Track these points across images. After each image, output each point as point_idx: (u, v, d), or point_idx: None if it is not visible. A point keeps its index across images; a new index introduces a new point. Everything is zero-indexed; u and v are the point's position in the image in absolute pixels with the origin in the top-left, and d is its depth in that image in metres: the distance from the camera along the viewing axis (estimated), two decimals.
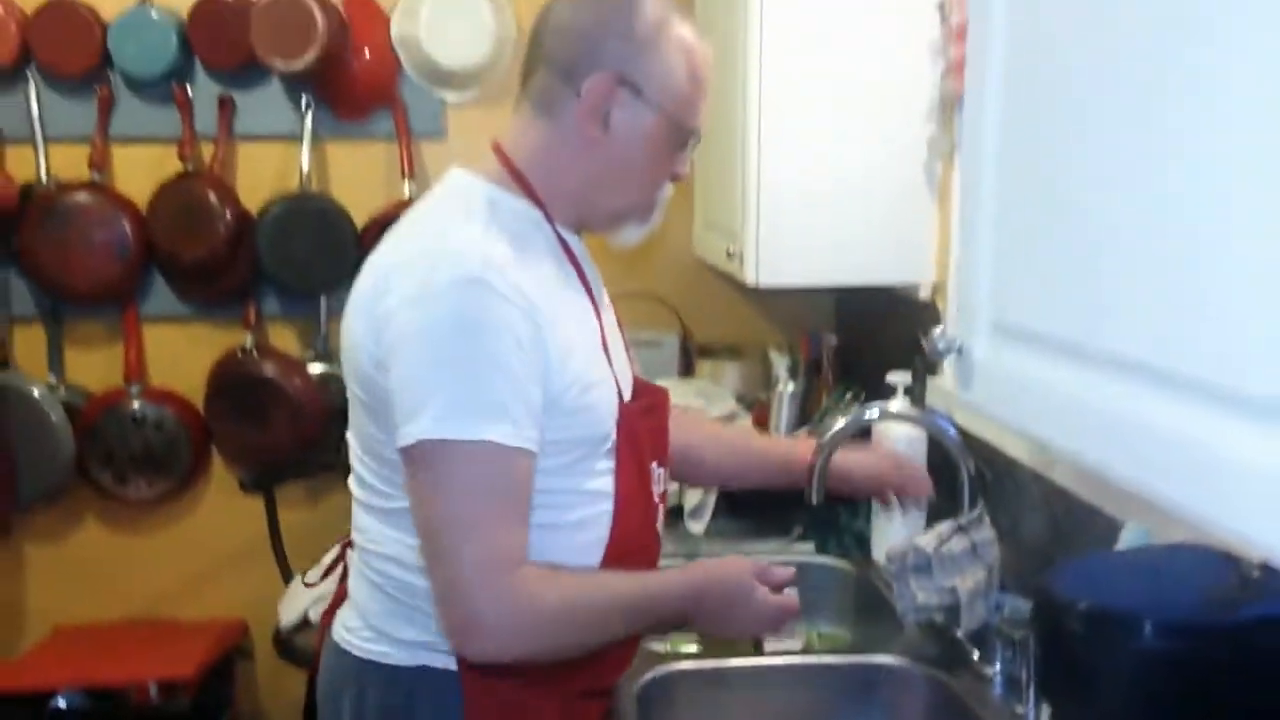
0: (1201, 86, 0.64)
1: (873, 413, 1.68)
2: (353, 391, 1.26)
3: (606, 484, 1.29)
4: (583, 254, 1.34)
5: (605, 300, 1.40)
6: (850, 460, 1.63)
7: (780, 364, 2.53)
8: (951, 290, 1.81)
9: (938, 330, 1.00)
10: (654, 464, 1.37)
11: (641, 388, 1.42)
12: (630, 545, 1.31)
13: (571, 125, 1.25)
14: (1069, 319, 0.81)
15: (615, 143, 1.26)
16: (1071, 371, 0.81)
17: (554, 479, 1.23)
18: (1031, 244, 0.88)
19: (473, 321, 1.14)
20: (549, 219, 1.28)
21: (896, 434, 1.89)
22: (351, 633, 1.31)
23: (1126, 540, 1.23)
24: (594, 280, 1.35)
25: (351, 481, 1.32)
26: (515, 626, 1.17)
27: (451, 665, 1.24)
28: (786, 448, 1.70)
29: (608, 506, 1.29)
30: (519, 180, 1.27)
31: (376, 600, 1.28)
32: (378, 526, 1.27)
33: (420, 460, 1.15)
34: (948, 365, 1.04)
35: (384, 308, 1.17)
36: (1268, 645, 0.96)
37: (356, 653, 1.29)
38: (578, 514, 1.27)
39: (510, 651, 1.19)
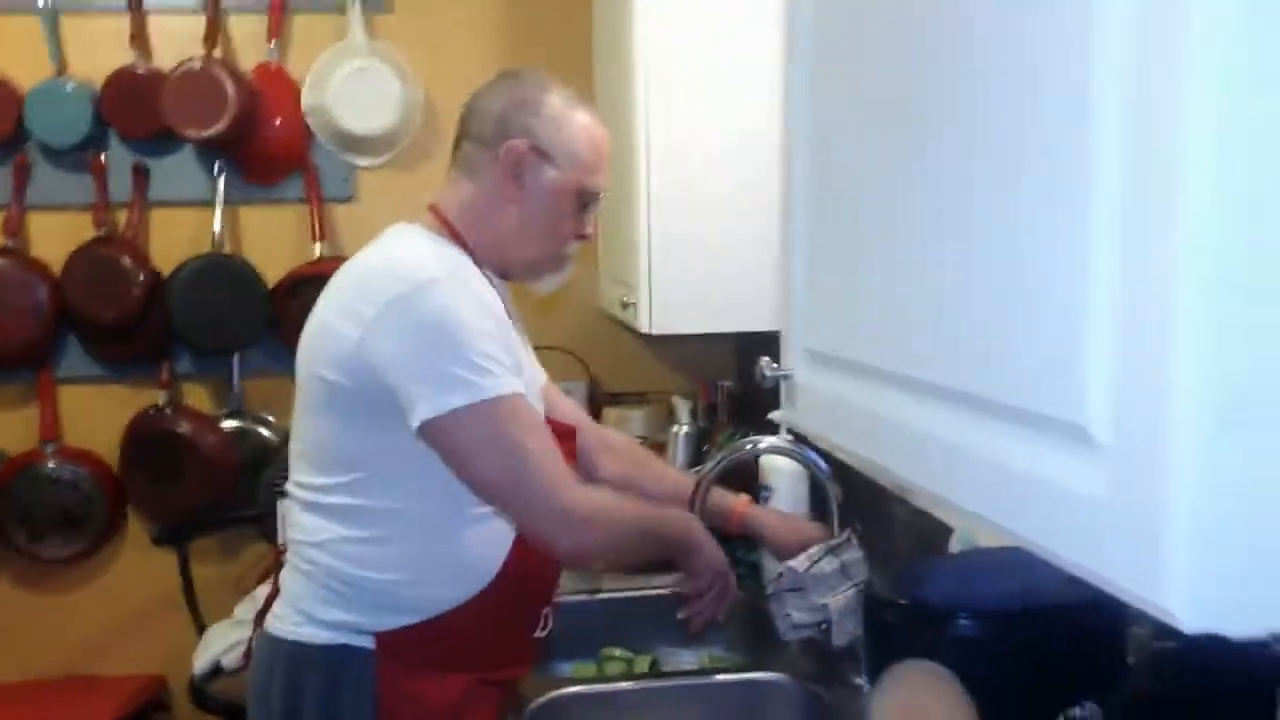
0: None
1: (748, 446, 1.81)
2: (307, 396, 1.44)
3: None
4: (508, 298, 1.56)
5: (525, 340, 1.61)
6: (767, 521, 1.79)
7: (682, 409, 2.66)
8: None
9: (764, 359, 1.13)
10: None
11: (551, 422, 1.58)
12: (531, 555, 1.46)
13: (491, 184, 1.49)
14: (867, 346, 0.94)
15: (527, 199, 1.49)
16: (868, 391, 0.94)
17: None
18: (839, 277, 1.02)
19: (450, 308, 1.35)
20: (478, 264, 1.49)
21: (779, 467, 2.03)
22: (280, 619, 1.46)
23: (955, 545, 1.36)
24: (519, 327, 1.56)
25: (290, 486, 1.50)
26: (596, 518, 1.42)
27: (369, 645, 1.40)
28: (726, 505, 1.80)
29: (505, 526, 1.46)
30: (451, 232, 1.49)
31: (304, 586, 1.44)
32: (311, 519, 1.44)
33: (455, 428, 1.34)
34: (782, 389, 1.18)
35: (358, 322, 1.35)
36: (1062, 630, 1.09)
37: (285, 635, 1.44)
38: (494, 509, 1.44)
39: (597, 541, 1.44)
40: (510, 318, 1.52)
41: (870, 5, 0.89)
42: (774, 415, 2.05)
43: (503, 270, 1.55)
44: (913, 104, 0.81)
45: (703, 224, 2.11)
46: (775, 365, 1.14)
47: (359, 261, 1.47)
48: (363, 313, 1.35)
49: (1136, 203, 0.54)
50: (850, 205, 0.96)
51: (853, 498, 1.89)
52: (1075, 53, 0.58)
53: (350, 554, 1.41)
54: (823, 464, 1.82)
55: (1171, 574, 0.53)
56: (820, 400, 1.05)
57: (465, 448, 1.36)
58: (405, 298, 1.34)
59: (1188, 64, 0.50)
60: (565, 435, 1.57)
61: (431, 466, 1.38)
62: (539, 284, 1.59)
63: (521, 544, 1.46)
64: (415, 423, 1.34)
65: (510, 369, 1.38)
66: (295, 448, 1.50)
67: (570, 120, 1.51)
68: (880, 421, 0.90)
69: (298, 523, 1.47)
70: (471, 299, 1.39)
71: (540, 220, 1.51)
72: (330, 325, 1.40)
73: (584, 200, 1.53)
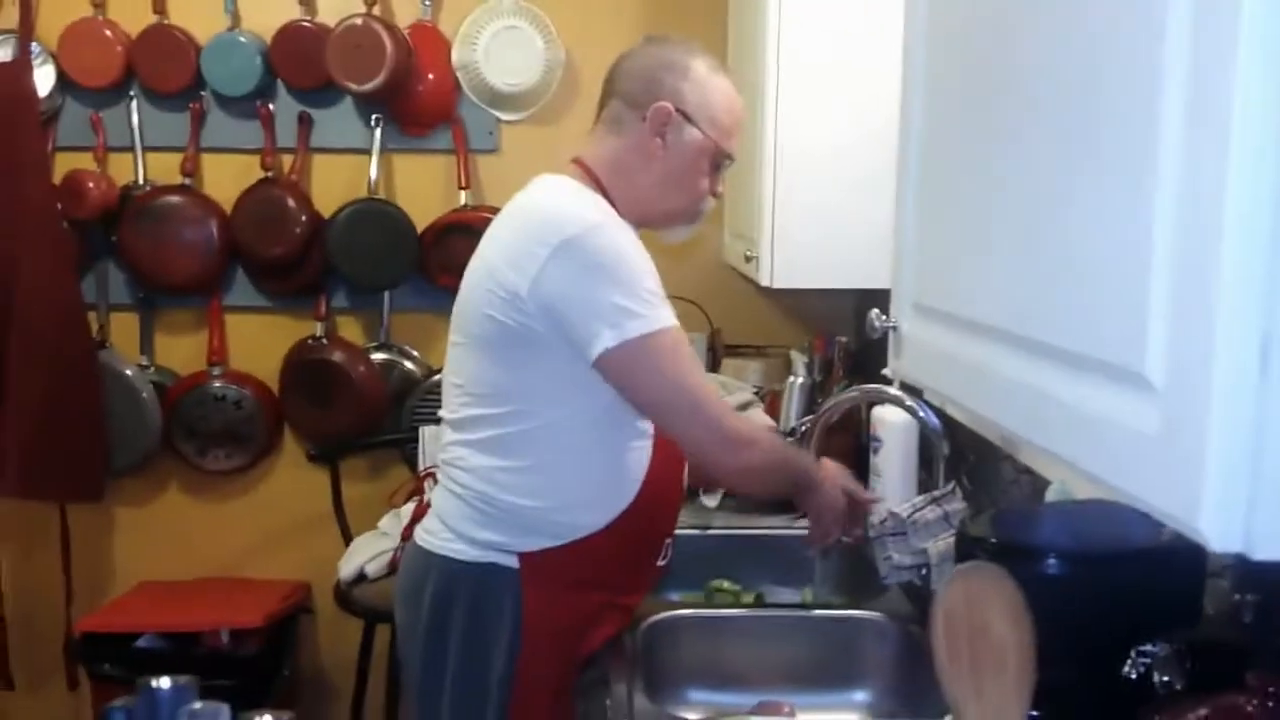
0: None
1: (854, 393, 1.91)
2: (468, 334, 1.58)
3: (648, 425, 1.62)
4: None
5: None
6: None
7: (799, 361, 2.76)
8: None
9: (874, 311, 1.24)
10: None
11: None
12: (659, 485, 1.63)
13: (636, 141, 1.62)
14: (966, 300, 1.04)
15: (670, 156, 1.62)
16: (967, 342, 1.04)
17: (617, 406, 1.55)
18: (942, 239, 1.12)
19: (617, 248, 1.49)
20: (619, 214, 1.61)
21: (891, 419, 2.12)
22: (431, 534, 1.62)
23: (1051, 496, 1.45)
24: None
25: (445, 414, 1.65)
26: (755, 441, 1.60)
27: (515, 564, 1.56)
28: None
29: (648, 445, 1.62)
30: (596, 183, 1.62)
31: (456, 506, 1.59)
32: (465, 448, 1.59)
33: (633, 354, 1.48)
34: (890, 340, 1.28)
35: (533, 260, 1.47)
36: (1143, 575, 1.18)
37: (436, 549, 1.60)
38: (632, 442, 1.60)
39: (754, 462, 1.59)
40: None
41: None
42: (888, 369, 2.16)
43: (641, 220, 1.65)
44: (1013, 79, 0.91)
45: (825, 182, 2.19)
46: (884, 317, 1.25)
47: (521, 208, 1.59)
48: (536, 253, 1.47)
49: (1191, 174, 0.64)
50: (957, 171, 1.06)
51: (960, 453, 1.98)
52: (1143, 45, 0.68)
53: (502, 481, 1.55)
54: (933, 418, 1.91)
55: (1208, 500, 0.63)
56: (925, 351, 1.15)
57: (643, 373, 1.50)
58: (578, 239, 1.47)
59: (1239, 58, 0.59)
60: None
61: (585, 401, 1.53)
62: (671, 234, 1.73)
63: (653, 476, 1.61)
64: (595, 353, 1.47)
65: (668, 304, 1.52)
66: (451, 380, 1.63)
67: (713, 86, 1.63)
68: (976, 370, 1.00)
69: (452, 450, 1.62)
70: (631, 240, 1.53)
71: (680, 177, 1.63)
72: (498, 268, 1.52)
73: (717, 161, 1.65)
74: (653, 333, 1.47)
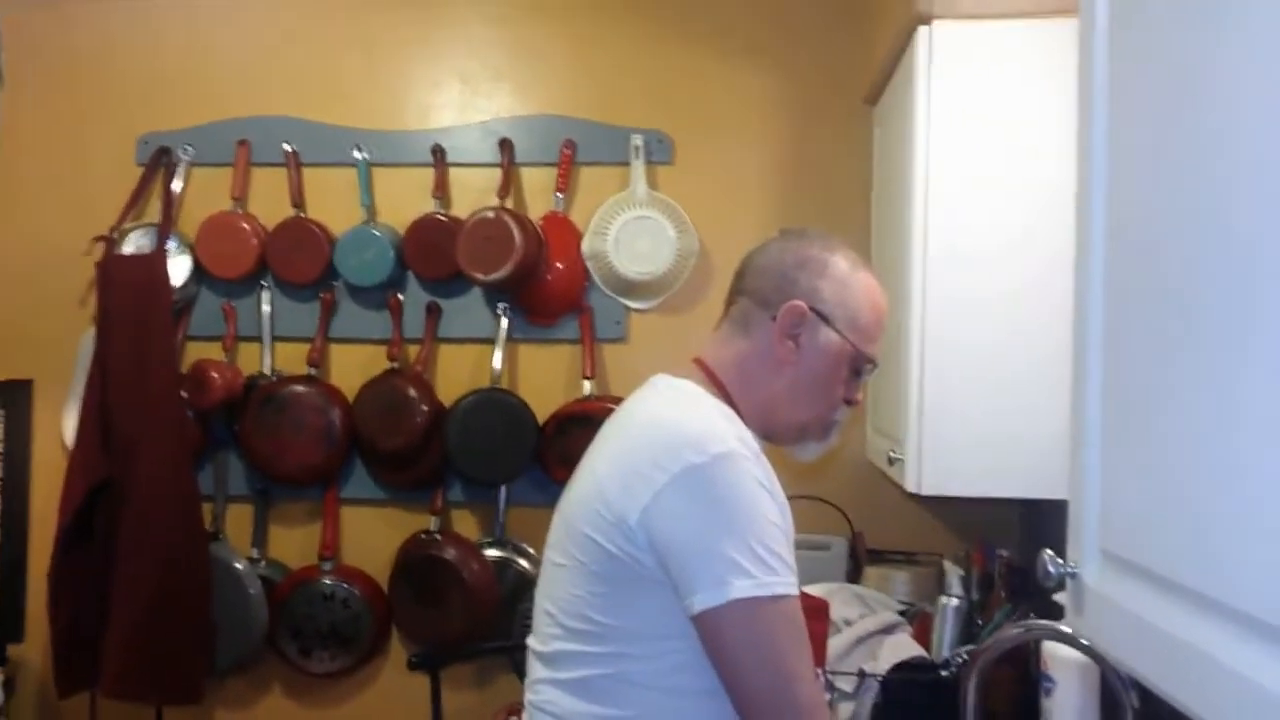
0: None
1: (1020, 630, 1.62)
2: (568, 556, 1.37)
3: None
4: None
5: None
6: None
7: (953, 575, 2.46)
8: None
9: (1048, 553, 0.99)
10: (818, 668, 1.41)
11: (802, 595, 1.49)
12: None
13: (765, 344, 1.45)
14: (1175, 557, 0.79)
15: (802, 361, 1.44)
16: (1178, 614, 0.78)
17: None
18: (1137, 468, 0.88)
19: (742, 489, 1.29)
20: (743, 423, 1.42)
21: (1065, 657, 1.80)
22: None
23: None
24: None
25: (532, 643, 1.43)
26: None
27: None
28: None
29: None
30: (719, 387, 1.44)
31: None
32: (555, 690, 1.37)
33: (728, 620, 1.26)
34: (1069, 588, 1.03)
35: (646, 487, 1.28)
36: None
37: None
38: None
39: None
40: None
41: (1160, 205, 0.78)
42: (1060, 596, 1.85)
43: (767, 433, 1.48)
44: (1212, 295, 0.68)
45: (980, 375, 1.98)
46: (1060, 560, 1.00)
47: (636, 419, 1.42)
48: (653, 478, 1.29)
49: None
50: (1153, 380, 0.83)
51: (1152, 708, 1.65)
52: None
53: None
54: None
55: None
56: (1116, 611, 0.90)
57: (733, 646, 1.27)
58: (700, 470, 1.28)
59: None
60: (818, 612, 1.46)
61: (699, 648, 1.30)
62: (802, 451, 1.53)
63: None
64: (693, 607, 1.27)
65: (790, 567, 1.30)
66: (542, 605, 1.43)
67: (854, 283, 1.47)
68: (1189, 651, 0.75)
69: (540, 691, 1.40)
70: (762, 477, 1.32)
71: (813, 384, 1.46)
72: (606, 488, 1.34)
73: (857, 366, 1.48)
74: (756, 598, 1.25)
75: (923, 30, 2.02)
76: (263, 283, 2.88)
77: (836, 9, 2.78)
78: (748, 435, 1.37)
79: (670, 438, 1.32)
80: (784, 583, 1.28)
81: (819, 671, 1.43)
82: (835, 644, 2.11)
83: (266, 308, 2.87)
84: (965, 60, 2.01)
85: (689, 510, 1.27)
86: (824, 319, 1.44)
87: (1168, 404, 0.80)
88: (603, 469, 1.36)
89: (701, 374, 1.46)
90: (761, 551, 1.26)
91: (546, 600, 1.42)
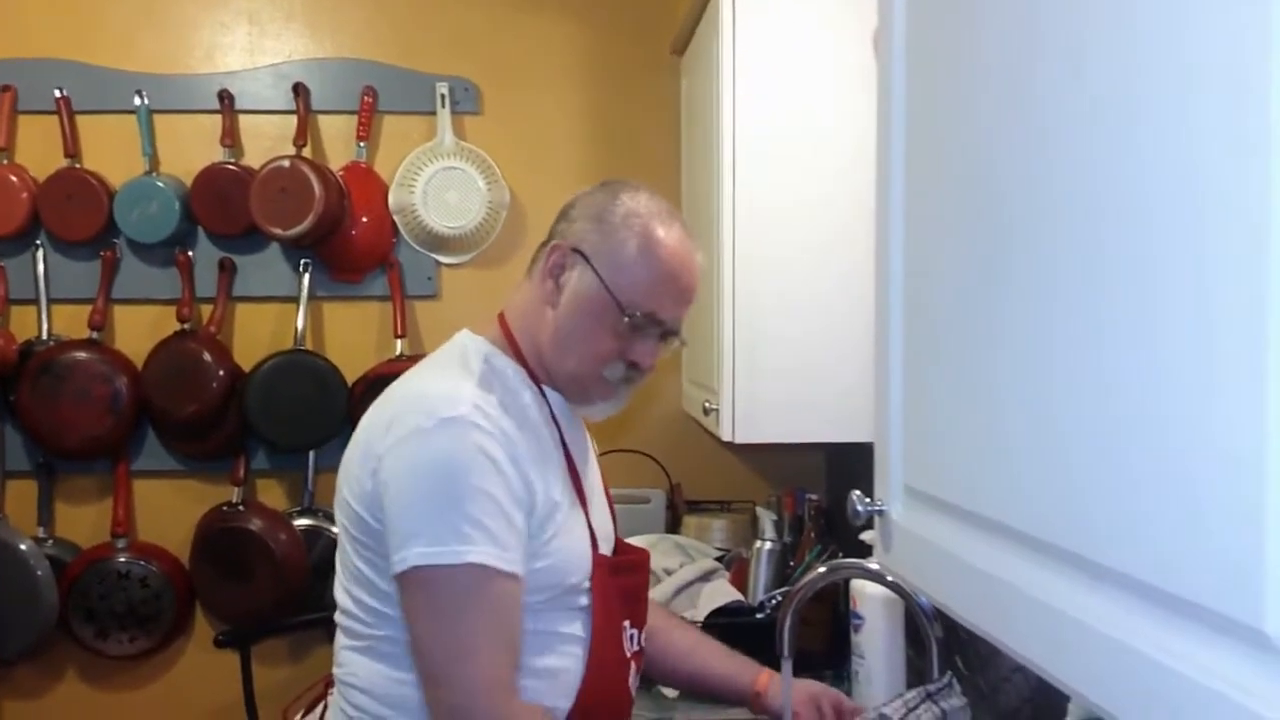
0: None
1: (830, 570, 1.66)
2: (342, 525, 1.34)
3: (578, 630, 1.34)
4: (565, 414, 1.42)
5: (590, 458, 1.48)
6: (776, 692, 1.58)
7: (766, 520, 2.51)
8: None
9: (856, 493, 1.01)
10: (626, 622, 1.40)
11: (621, 546, 1.49)
12: (601, 697, 1.35)
13: (538, 284, 1.39)
14: (975, 491, 0.81)
15: (562, 304, 1.36)
16: (978, 544, 0.81)
17: (527, 618, 1.28)
18: (937, 409, 0.90)
19: (458, 456, 1.23)
20: (534, 379, 1.38)
21: (872, 593, 1.88)
22: None
23: (1074, 714, 1.20)
24: (575, 439, 1.43)
25: (337, 615, 1.38)
26: None
27: None
28: (744, 683, 1.63)
29: (579, 654, 1.34)
30: (511, 342, 1.39)
31: None
32: (355, 659, 1.33)
33: (414, 586, 1.23)
34: (876, 526, 1.05)
35: (379, 449, 1.26)
36: None
37: None
38: (549, 659, 1.32)
39: None
40: (565, 442, 1.40)
41: (966, 112, 0.79)
42: (866, 535, 1.92)
43: (551, 383, 1.41)
44: (1018, 202, 0.70)
45: (790, 326, 2.02)
46: (868, 499, 1.02)
47: (404, 382, 1.38)
48: (384, 442, 1.27)
49: None
50: (954, 317, 0.84)
51: (955, 635, 1.73)
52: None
53: (399, 698, 1.29)
54: (923, 597, 1.67)
55: None
56: (921, 545, 0.92)
57: (410, 611, 1.25)
58: (420, 434, 1.24)
59: None
60: (638, 565, 1.46)
61: None
62: (588, 410, 1.43)
63: (590, 687, 1.34)
64: (392, 570, 1.24)
65: (495, 538, 1.23)
66: (338, 575, 1.38)
67: (633, 227, 1.35)
68: (991, 581, 0.77)
69: (341, 659, 1.36)
70: (490, 447, 1.24)
71: (574, 330, 1.36)
72: (356, 450, 1.32)
73: (635, 322, 1.35)
74: (439, 566, 1.21)
75: None
76: (36, 240, 2.65)
77: None
78: (494, 401, 1.29)
79: (409, 403, 1.30)
80: (479, 551, 1.21)
81: (628, 625, 1.41)
82: (657, 593, 2.12)
83: (41, 267, 2.65)
84: (767, 10, 2.01)
85: (399, 473, 1.24)
86: (586, 260, 1.35)
87: (969, 341, 0.82)
88: (360, 435, 1.34)
89: (499, 329, 1.42)
90: (456, 519, 1.21)
91: (338, 565, 1.39)
